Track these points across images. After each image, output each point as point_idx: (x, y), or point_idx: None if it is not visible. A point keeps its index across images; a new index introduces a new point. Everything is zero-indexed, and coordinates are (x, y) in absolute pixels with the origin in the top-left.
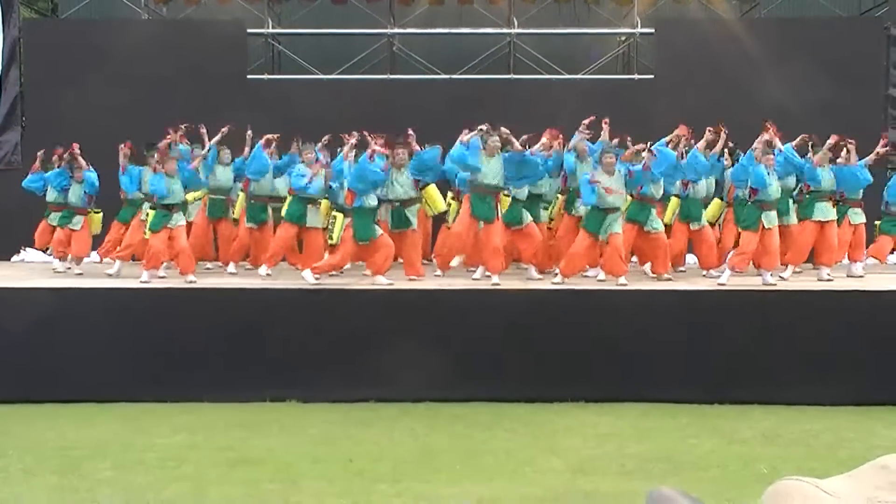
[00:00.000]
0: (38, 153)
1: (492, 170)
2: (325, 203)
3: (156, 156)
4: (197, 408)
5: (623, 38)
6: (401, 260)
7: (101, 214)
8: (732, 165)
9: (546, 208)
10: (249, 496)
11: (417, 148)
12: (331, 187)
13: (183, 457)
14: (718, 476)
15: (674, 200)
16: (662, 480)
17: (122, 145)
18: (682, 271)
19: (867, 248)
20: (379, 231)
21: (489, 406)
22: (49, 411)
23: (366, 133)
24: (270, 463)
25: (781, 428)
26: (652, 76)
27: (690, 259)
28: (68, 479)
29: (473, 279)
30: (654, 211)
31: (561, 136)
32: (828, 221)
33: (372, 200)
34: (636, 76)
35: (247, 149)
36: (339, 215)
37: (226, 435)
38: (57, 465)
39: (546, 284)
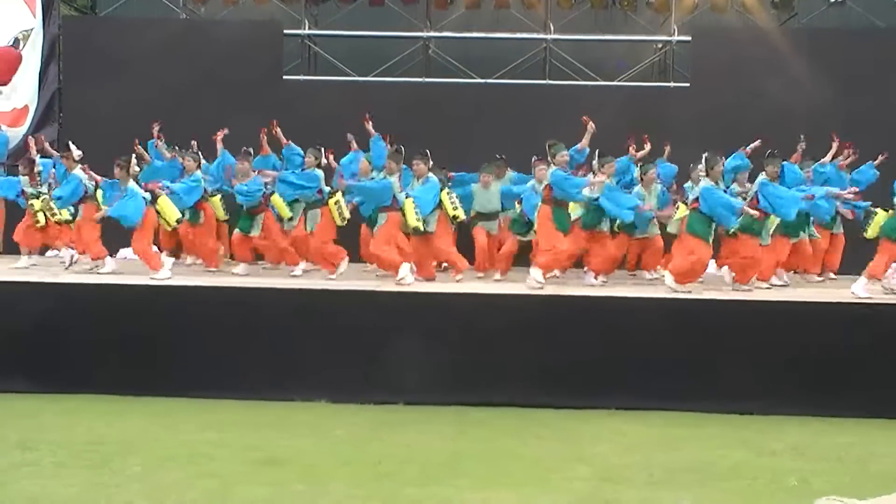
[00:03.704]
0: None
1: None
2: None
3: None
4: (225, 405)
5: (660, 46)
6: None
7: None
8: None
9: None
10: (277, 497)
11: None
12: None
13: (211, 455)
14: (747, 488)
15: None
16: (690, 491)
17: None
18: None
19: None
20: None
21: (517, 412)
22: (79, 405)
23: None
24: (298, 464)
25: (812, 440)
26: (688, 84)
27: None
28: (98, 475)
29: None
30: None
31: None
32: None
33: None
34: (672, 84)
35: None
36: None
37: (254, 434)
38: (87, 459)
39: (576, 290)
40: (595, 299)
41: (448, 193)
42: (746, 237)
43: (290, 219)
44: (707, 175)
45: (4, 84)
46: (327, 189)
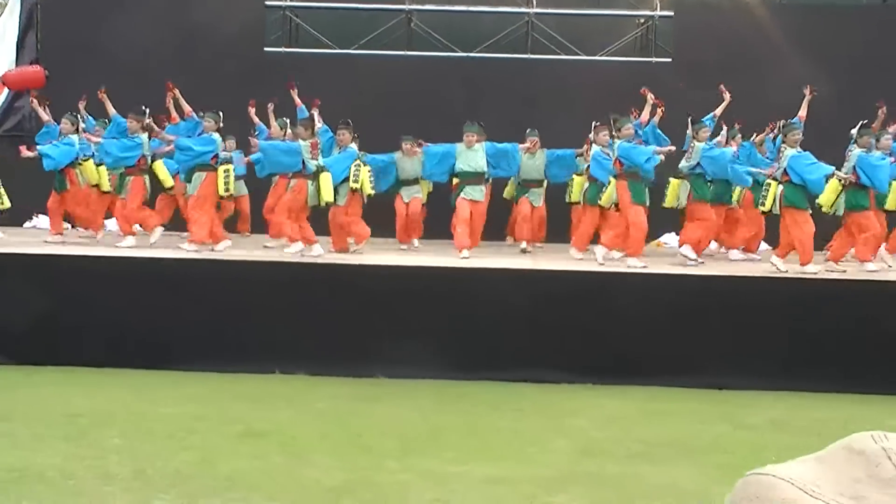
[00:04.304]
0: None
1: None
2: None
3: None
4: (205, 378)
5: (642, 21)
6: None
7: None
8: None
9: None
10: (257, 469)
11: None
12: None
13: (191, 427)
14: (725, 462)
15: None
16: (669, 465)
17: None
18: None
19: None
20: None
21: (496, 385)
22: (56, 377)
23: None
24: (278, 436)
25: (790, 415)
26: (669, 59)
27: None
28: (76, 447)
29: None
30: None
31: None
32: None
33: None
34: (654, 59)
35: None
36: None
37: (234, 407)
38: (65, 431)
39: (555, 265)
40: (577, 274)
41: (357, 167)
42: (857, 215)
43: (171, 187)
44: (784, 142)
45: (20, 93)
46: (224, 156)
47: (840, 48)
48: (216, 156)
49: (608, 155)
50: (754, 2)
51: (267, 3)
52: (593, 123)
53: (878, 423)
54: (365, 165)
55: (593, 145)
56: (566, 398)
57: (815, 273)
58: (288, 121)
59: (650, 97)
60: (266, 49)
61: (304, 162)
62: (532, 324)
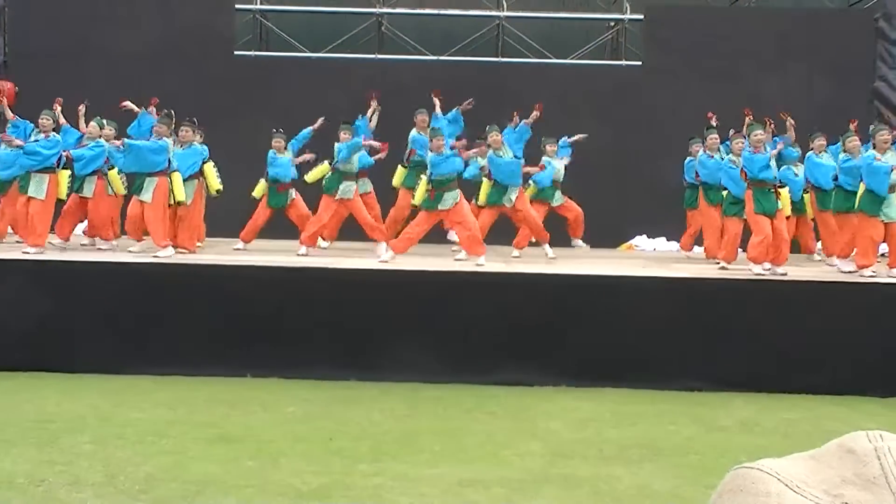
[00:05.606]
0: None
1: None
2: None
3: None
4: (177, 382)
5: (612, 24)
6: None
7: None
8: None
9: None
10: (229, 474)
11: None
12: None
13: (162, 432)
14: (696, 463)
15: None
16: (642, 466)
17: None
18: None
19: None
20: None
21: (470, 388)
22: (27, 382)
23: None
24: (250, 440)
25: (760, 416)
26: (639, 63)
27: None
28: (47, 452)
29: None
30: None
31: None
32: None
33: None
34: (624, 62)
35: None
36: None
37: (206, 411)
38: (36, 437)
39: (529, 267)
40: (550, 278)
41: (214, 166)
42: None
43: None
44: (874, 147)
45: None
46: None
47: (807, 51)
48: (60, 158)
49: (735, 164)
50: (723, 6)
51: (237, 6)
52: (731, 131)
53: (847, 422)
54: (210, 162)
55: (731, 156)
56: (539, 401)
57: (873, 276)
58: (105, 120)
59: (790, 121)
60: (236, 53)
61: (169, 160)
62: (505, 327)
